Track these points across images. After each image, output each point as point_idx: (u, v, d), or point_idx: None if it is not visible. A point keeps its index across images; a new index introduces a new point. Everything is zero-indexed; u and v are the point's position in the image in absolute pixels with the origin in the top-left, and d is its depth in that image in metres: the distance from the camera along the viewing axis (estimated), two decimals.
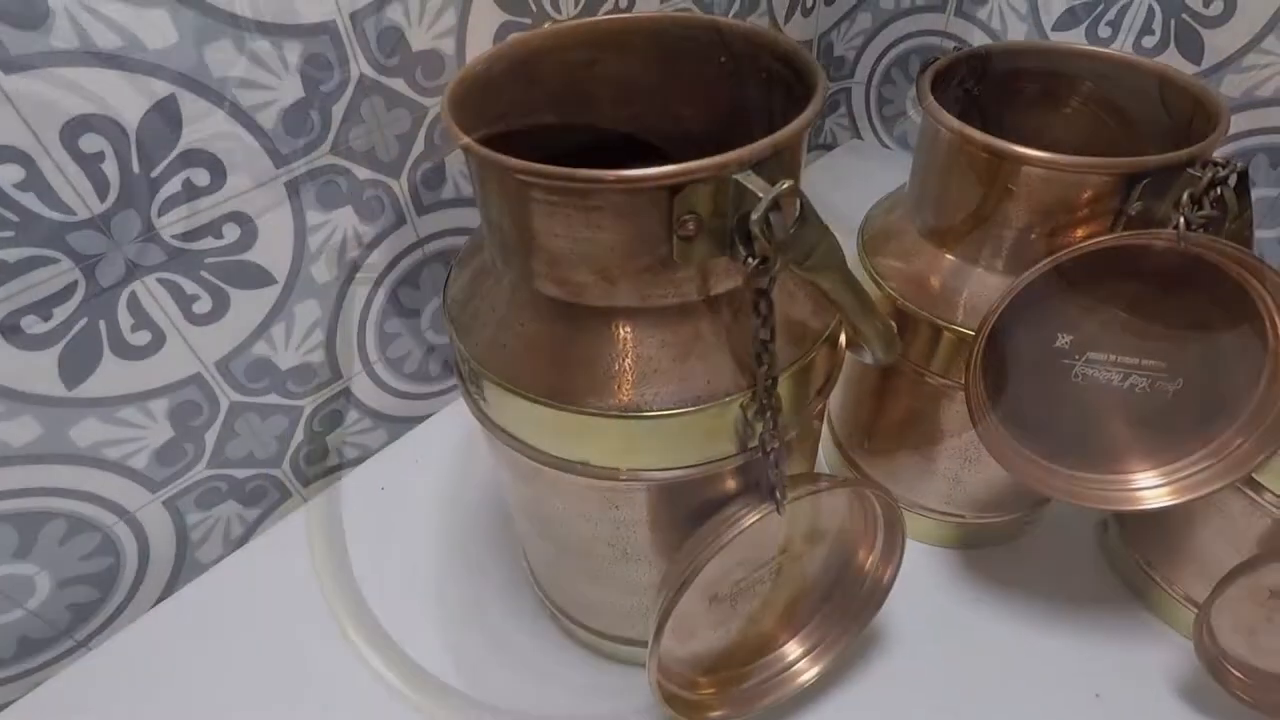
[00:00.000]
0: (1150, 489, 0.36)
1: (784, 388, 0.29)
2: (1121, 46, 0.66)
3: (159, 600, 0.51)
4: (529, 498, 0.36)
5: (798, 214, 0.24)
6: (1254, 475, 0.37)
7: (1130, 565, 0.46)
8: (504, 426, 0.32)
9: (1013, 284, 0.33)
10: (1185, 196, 0.30)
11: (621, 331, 0.28)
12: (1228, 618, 0.38)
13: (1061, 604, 0.46)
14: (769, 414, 0.28)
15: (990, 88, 0.41)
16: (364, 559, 0.51)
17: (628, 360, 0.28)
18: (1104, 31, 0.67)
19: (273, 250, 0.48)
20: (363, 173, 0.50)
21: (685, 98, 0.35)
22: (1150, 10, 0.63)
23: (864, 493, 0.36)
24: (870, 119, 0.89)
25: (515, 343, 0.29)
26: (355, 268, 0.53)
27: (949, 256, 0.38)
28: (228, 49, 0.41)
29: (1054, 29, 0.69)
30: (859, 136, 0.92)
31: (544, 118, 0.35)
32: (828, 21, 0.80)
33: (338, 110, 0.47)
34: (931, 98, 0.36)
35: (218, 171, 0.43)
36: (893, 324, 0.32)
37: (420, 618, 0.47)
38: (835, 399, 0.50)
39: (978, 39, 0.73)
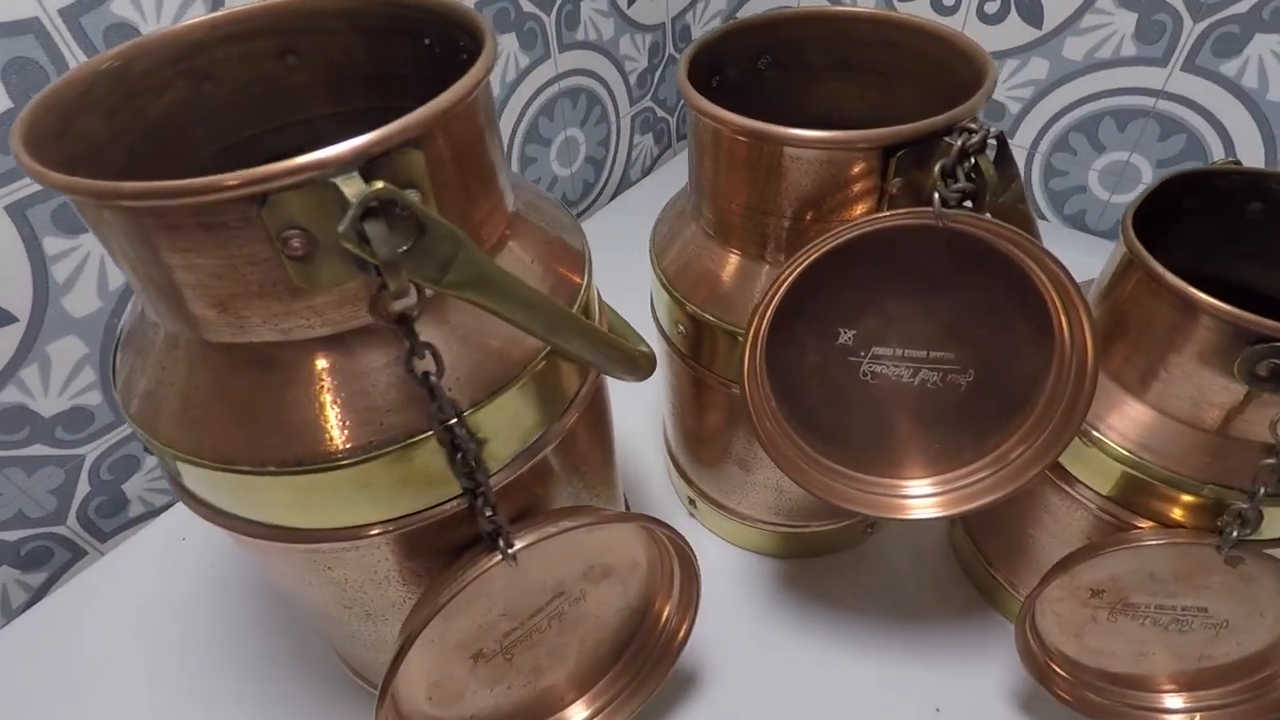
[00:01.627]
0: (921, 498, 0.33)
1: (490, 419, 0.25)
2: (965, 15, 0.64)
3: None
4: (257, 565, 0.31)
5: (415, 223, 0.19)
6: (1067, 468, 0.34)
7: (977, 566, 0.43)
8: (188, 489, 0.27)
9: (773, 282, 0.29)
10: (937, 169, 0.27)
11: (272, 374, 0.23)
12: (1053, 620, 0.35)
13: (907, 611, 0.43)
14: (460, 455, 0.24)
15: (783, 63, 0.38)
16: (159, 617, 0.45)
17: (289, 407, 0.23)
18: (948, 0, 0.64)
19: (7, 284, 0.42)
20: None
21: (397, 86, 0.30)
22: None
23: (656, 529, 0.32)
24: None
25: (169, 399, 0.24)
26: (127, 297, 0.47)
27: (734, 254, 0.34)
28: None
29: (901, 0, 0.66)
30: None
31: (231, 121, 0.30)
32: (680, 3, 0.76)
33: None
34: (687, 81, 0.32)
35: None
36: (621, 342, 0.28)
37: (218, 681, 0.42)
38: (665, 413, 0.46)
39: None
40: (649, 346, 0.33)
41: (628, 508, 0.46)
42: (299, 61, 0.30)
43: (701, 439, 0.43)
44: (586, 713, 0.36)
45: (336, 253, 0.20)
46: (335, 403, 0.23)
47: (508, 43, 0.61)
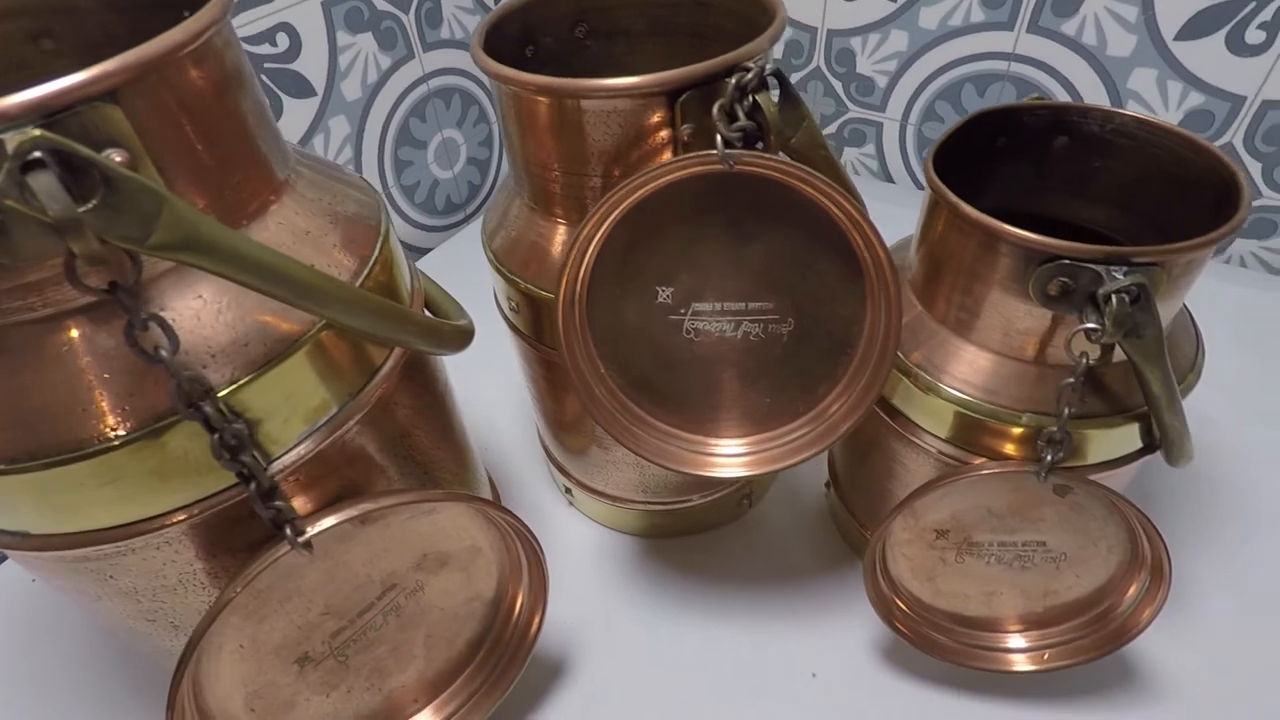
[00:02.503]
0: (734, 457, 0.33)
1: (259, 397, 0.24)
2: None
3: None
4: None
5: (100, 178, 0.18)
6: (909, 416, 0.34)
7: (850, 528, 0.43)
8: None
9: (573, 243, 0.28)
10: (716, 109, 0.26)
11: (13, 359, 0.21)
12: (904, 564, 0.35)
13: (787, 580, 0.43)
14: (219, 437, 0.22)
15: (602, 31, 0.37)
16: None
17: (19, 395, 0.21)
18: None
19: None
20: None
21: None
22: None
23: (487, 510, 0.31)
24: None
25: None
26: None
27: (558, 223, 0.33)
28: None
29: None
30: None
31: None
32: None
33: None
34: (481, 50, 0.31)
35: None
36: (412, 313, 0.27)
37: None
38: (529, 402, 0.45)
39: None
40: (468, 321, 0.32)
41: (497, 498, 0.44)
42: (55, 44, 0.28)
43: (562, 421, 0.41)
44: (444, 713, 0.35)
45: (33, 221, 0.19)
46: (70, 388, 0.21)
47: (365, 42, 0.59)
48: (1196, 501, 0.44)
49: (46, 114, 0.18)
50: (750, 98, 0.26)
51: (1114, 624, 0.34)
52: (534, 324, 0.36)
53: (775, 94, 0.27)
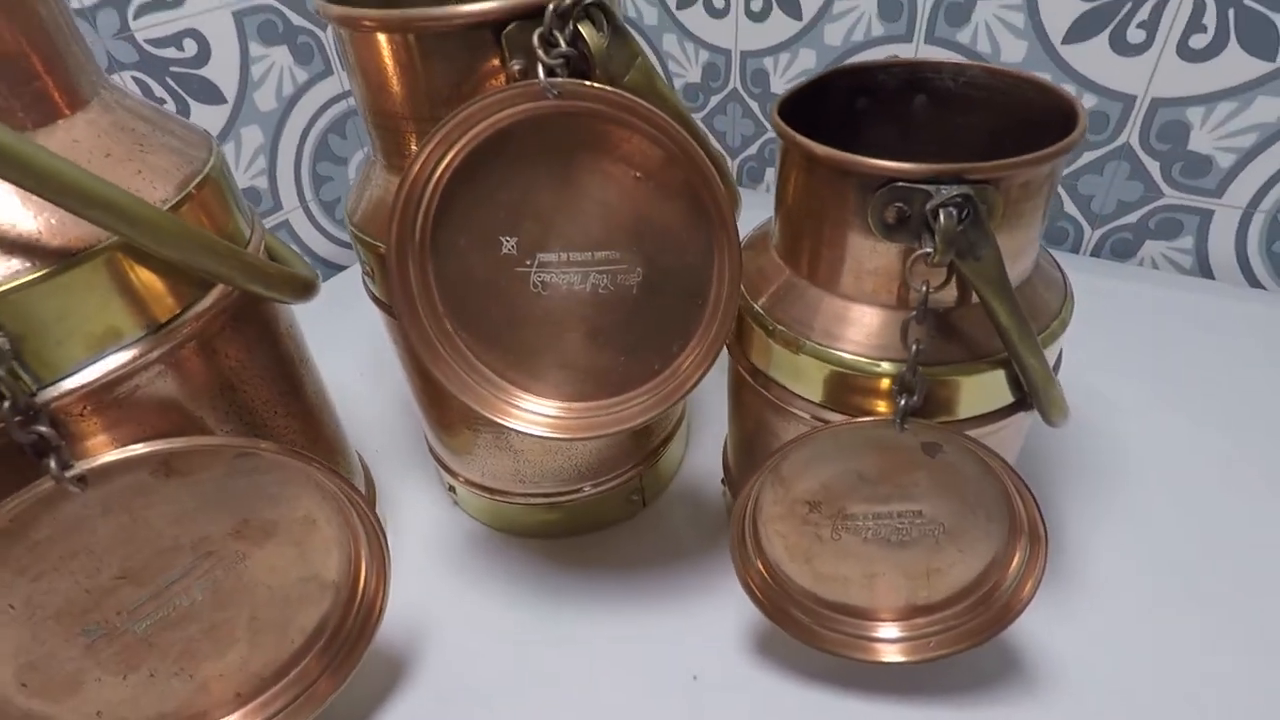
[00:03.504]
0: (551, 418, 0.31)
1: (19, 310, 0.22)
2: (736, 15, 0.66)
3: None
4: None
5: None
6: (784, 384, 0.32)
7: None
8: None
9: (399, 196, 0.27)
10: (536, 37, 0.26)
11: None
12: (780, 544, 0.33)
13: (677, 580, 0.40)
14: None
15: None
16: None
17: None
18: (719, 4, 0.67)
19: None
20: None
21: None
22: None
23: (310, 472, 0.29)
24: None
25: None
26: None
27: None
28: None
29: None
30: None
31: None
32: None
33: None
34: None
35: None
36: (224, 244, 0.26)
37: None
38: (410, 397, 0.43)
39: None
40: (311, 272, 0.30)
41: (371, 493, 0.42)
42: None
43: (430, 400, 0.39)
44: (271, 710, 0.31)
45: None
46: None
47: (280, 55, 0.59)
48: (1092, 484, 0.43)
49: None
50: (570, 25, 0.26)
51: (998, 603, 0.31)
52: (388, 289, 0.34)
53: (603, 23, 0.27)
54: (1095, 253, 0.62)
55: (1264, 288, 0.57)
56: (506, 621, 0.39)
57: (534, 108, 0.27)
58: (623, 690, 0.35)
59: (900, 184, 0.25)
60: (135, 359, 0.25)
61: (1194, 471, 0.43)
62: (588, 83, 0.26)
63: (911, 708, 0.34)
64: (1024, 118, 0.30)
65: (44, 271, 0.22)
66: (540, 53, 0.26)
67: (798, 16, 0.63)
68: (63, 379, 0.23)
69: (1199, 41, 0.50)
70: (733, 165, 0.75)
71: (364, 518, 0.31)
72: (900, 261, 0.27)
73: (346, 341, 0.55)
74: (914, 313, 0.26)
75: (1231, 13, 0.49)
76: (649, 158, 0.28)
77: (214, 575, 0.29)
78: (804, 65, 0.65)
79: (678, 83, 0.73)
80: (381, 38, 0.28)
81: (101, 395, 0.25)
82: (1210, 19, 0.49)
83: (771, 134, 0.71)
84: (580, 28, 0.26)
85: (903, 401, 0.27)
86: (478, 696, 0.35)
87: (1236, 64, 0.50)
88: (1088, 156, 0.58)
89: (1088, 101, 0.56)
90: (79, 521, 0.25)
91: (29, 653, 0.26)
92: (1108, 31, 0.52)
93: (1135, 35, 0.52)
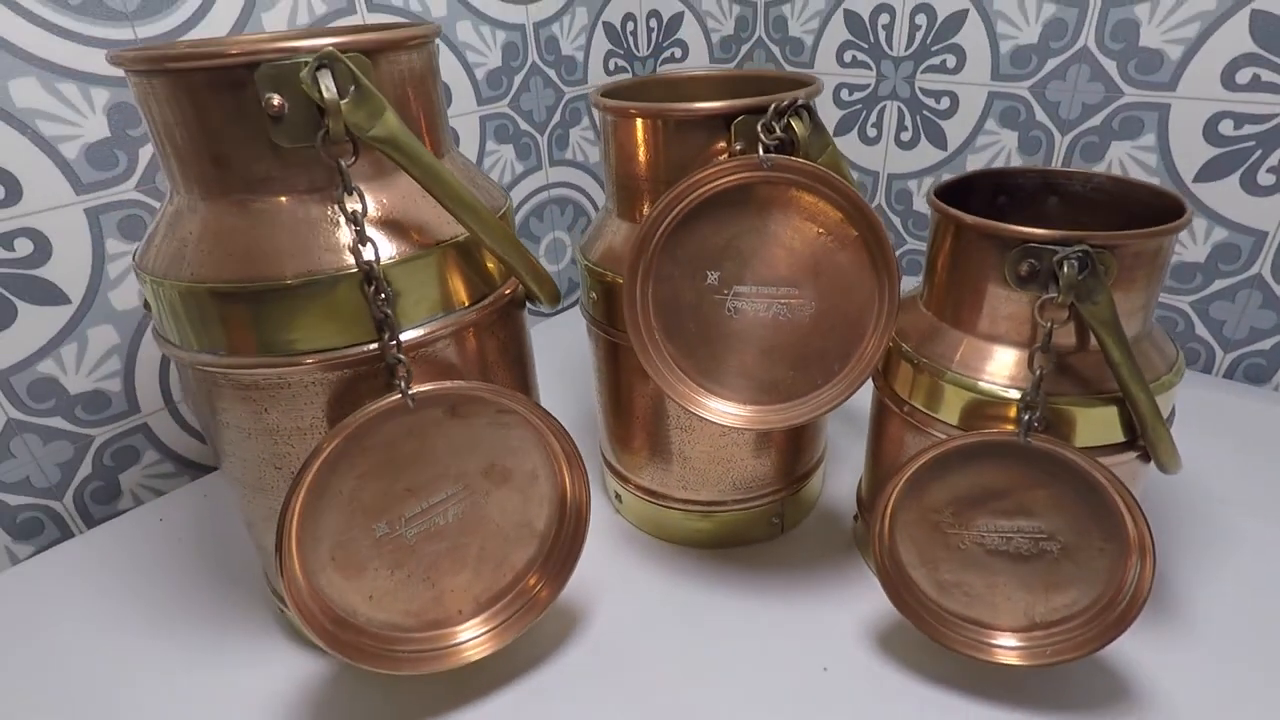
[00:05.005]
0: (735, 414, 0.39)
1: (402, 276, 0.33)
2: (886, 144, 0.77)
3: None
4: (211, 428, 0.37)
5: (354, 84, 0.29)
6: (924, 410, 0.39)
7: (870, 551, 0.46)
8: (171, 338, 0.34)
9: (642, 233, 0.37)
10: (760, 125, 0.36)
11: (247, 218, 0.32)
12: (911, 548, 0.38)
13: (803, 593, 0.45)
14: (374, 288, 0.31)
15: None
16: (122, 594, 0.49)
17: (257, 242, 0.31)
18: (871, 133, 0.77)
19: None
20: None
21: None
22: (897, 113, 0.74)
23: (544, 424, 0.38)
24: None
25: (182, 248, 0.33)
26: None
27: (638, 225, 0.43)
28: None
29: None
30: None
31: None
32: None
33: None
34: (601, 98, 0.42)
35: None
36: (525, 250, 0.36)
37: (178, 623, 0.45)
38: (595, 410, 0.52)
39: None
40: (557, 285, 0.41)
41: None
42: None
43: (618, 407, 0.48)
44: (483, 628, 0.39)
45: (303, 115, 0.30)
46: (287, 238, 0.31)
47: (505, 151, 0.75)
48: (1204, 541, 0.45)
49: (329, 56, 0.29)
50: (785, 119, 0.36)
51: (1114, 613, 0.35)
52: (607, 311, 0.44)
53: (807, 120, 0.36)
54: (1228, 375, 0.65)
55: None
56: (659, 610, 0.45)
57: (747, 176, 0.37)
58: (761, 675, 0.40)
59: (1032, 244, 0.32)
60: (441, 329, 0.35)
61: None
62: (794, 159, 0.35)
63: (1015, 711, 0.37)
64: (1142, 216, 0.37)
65: (422, 252, 0.33)
66: (762, 136, 0.36)
67: (942, 146, 0.73)
68: (411, 329, 0.34)
69: None
70: None
71: (577, 469, 0.39)
72: (1029, 308, 0.34)
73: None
74: (1039, 344, 0.33)
75: None
76: (830, 218, 0.37)
77: (464, 504, 0.38)
78: None
79: None
80: (640, 121, 0.39)
81: (420, 348, 0.35)
82: None
83: (909, 245, 0.80)
84: (792, 121, 0.36)
85: (1026, 416, 0.33)
86: (628, 662, 0.41)
87: None
88: (1219, 284, 0.63)
89: (1218, 235, 0.61)
90: (393, 439, 0.35)
91: (342, 534, 0.35)
92: (1238, 174, 0.58)
93: (1265, 178, 0.57)
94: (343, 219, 0.31)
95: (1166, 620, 0.42)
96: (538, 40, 0.74)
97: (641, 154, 0.40)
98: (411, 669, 0.37)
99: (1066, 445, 0.34)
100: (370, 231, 0.32)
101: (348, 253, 0.32)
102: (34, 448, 0.54)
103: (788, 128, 0.36)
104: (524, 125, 0.76)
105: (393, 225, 0.33)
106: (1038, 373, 0.33)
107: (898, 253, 0.80)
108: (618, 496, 0.52)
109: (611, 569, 0.48)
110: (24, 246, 0.50)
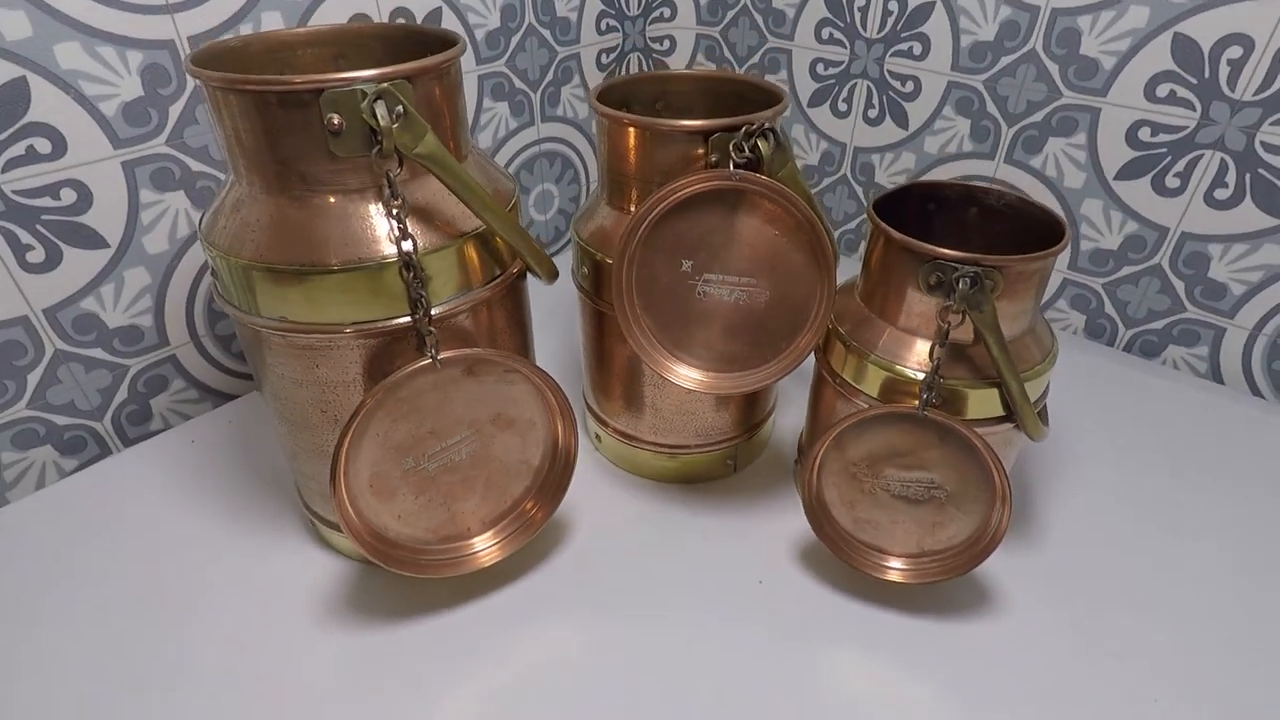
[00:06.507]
0: (697, 379, 0.48)
1: (433, 263, 0.40)
2: (854, 119, 0.83)
3: None
4: (262, 374, 0.45)
5: (401, 111, 0.35)
6: (851, 382, 0.48)
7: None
8: (236, 304, 0.41)
9: (629, 226, 0.45)
10: (731, 145, 0.43)
11: (305, 211, 0.38)
12: (834, 492, 0.48)
13: (749, 521, 0.55)
14: (412, 274, 0.38)
15: (673, 105, 0.55)
16: (165, 504, 0.57)
17: (314, 232, 0.38)
18: (842, 107, 0.84)
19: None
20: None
21: None
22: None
23: (543, 384, 0.46)
24: None
25: (247, 232, 0.39)
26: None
27: (627, 214, 0.50)
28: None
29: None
30: None
31: None
32: None
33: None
34: (596, 100, 0.48)
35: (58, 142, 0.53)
36: (531, 239, 0.43)
37: (215, 534, 0.54)
38: (581, 364, 0.60)
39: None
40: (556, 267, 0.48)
41: None
42: (347, 63, 0.47)
43: (601, 364, 0.56)
44: (492, 541, 0.48)
45: (357, 133, 0.36)
46: (340, 231, 0.38)
47: (500, 108, 0.80)
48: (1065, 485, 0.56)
49: (383, 79, 0.36)
50: (753, 140, 0.43)
51: (978, 547, 0.45)
52: (595, 284, 0.52)
53: (771, 140, 0.44)
54: (1127, 349, 0.75)
55: (1263, 397, 0.69)
56: (630, 531, 0.54)
57: (719, 184, 0.44)
58: (711, 583, 0.51)
59: (940, 260, 0.41)
60: (462, 304, 0.42)
61: (1138, 504, 0.55)
62: (759, 176, 0.43)
63: (906, 616, 0.48)
64: (1039, 231, 0.45)
65: (449, 241, 0.40)
66: (733, 154, 0.43)
67: (904, 126, 0.80)
68: (439, 305, 0.41)
69: (1222, 194, 0.64)
70: (835, 234, 0.92)
71: (568, 420, 0.47)
72: (935, 309, 0.43)
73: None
74: (937, 340, 0.41)
75: (1248, 176, 0.62)
76: (785, 224, 0.44)
77: (474, 444, 0.46)
78: (904, 165, 0.81)
79: (799, 163, 0.91)
80: (632, 130, 0.46)
81: (444, 319, 0.42)
82: (1231, 179, 0.63)
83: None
84: (759, 141, 0.43)
85: (925, 396, 0.42)
86: (603, 570, 0.51)
87: (1250, 216, 0.63)
88: (1127, 270, 0.72)
89: (1130, 227, 0.69)
90: (420, 392, 0.42)
91: (377, 466, 0.43)
92: (1150, 176, 0.66)
93: (1172, 182, 0.66)
94: (386, 216, 0.38)
95: (1025, 541, 0.52)
96: (535, 2, 0.78)
97: (631, 156, 0.47)
98: (433, 573, 0.46)
99: (954, 418, 0.43)
100: (410, 225, 0.38)
101: (388, 242, 0.39)
102: (77, 375, 0.60)
103: (755, 147, 0.43)
104: (519, 83, 0.80)
105: (426, 219, 0.40)
106: (935, 362, 0.42)
107: (854, 222, 0.88)
108: (597, 437, 0.61)
109: (592, 497, 0.57)
110: (69, 196, 0.55)
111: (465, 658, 0.46)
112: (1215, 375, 0.71)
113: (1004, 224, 0.48)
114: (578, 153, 0.91)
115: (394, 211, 0.37)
